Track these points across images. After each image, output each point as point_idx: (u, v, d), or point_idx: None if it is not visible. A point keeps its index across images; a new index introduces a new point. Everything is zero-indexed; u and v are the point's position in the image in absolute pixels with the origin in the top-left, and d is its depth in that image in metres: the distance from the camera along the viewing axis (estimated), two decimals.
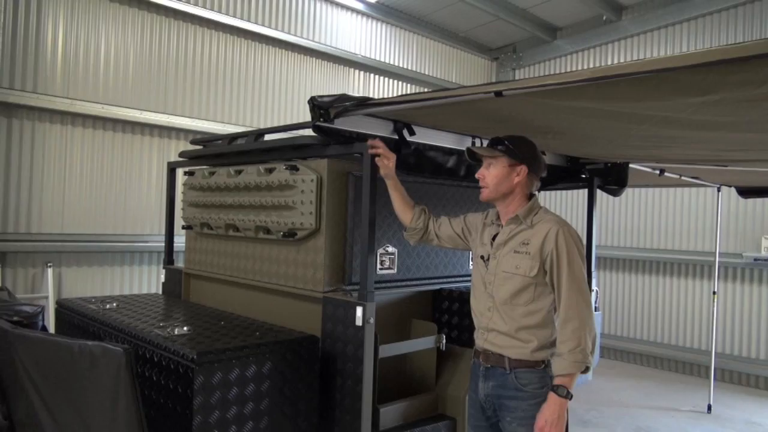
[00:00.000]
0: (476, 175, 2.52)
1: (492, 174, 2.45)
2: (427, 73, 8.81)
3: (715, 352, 6.25)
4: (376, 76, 8.32)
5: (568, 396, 2.22)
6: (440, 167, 3.43)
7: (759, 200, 6.76)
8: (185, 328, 2.76)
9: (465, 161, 3.54)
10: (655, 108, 2.16)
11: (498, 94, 2.17)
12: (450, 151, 3.43)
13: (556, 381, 2.23)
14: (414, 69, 8.65)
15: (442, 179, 3.50)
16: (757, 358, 6.93)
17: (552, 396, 2.22)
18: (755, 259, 6.85)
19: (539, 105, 2.37)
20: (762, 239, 6.87)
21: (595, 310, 4.28)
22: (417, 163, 3.29)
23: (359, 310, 2.69)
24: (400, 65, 8.48)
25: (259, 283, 3.34)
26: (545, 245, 2.31)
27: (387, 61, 8.31)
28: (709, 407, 5.87)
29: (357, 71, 8.08)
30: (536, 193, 2.55)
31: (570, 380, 2.22)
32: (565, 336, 2.24)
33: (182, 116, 6.34)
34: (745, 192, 5.82)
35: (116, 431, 1.99)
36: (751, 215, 7.01)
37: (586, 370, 2.25)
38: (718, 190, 5.96)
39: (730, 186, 5.85)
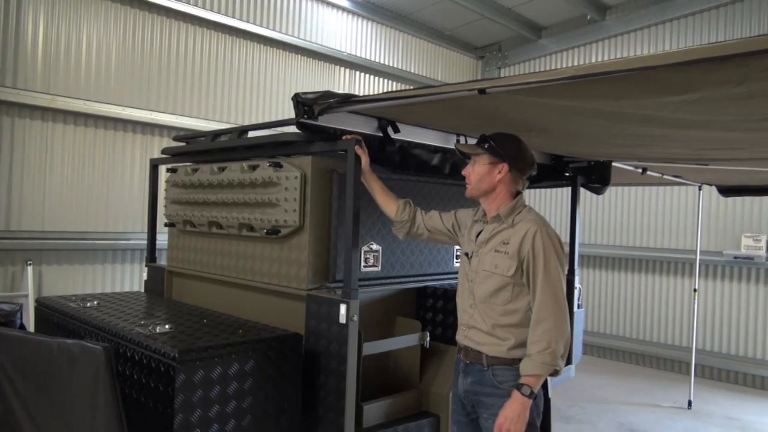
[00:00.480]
0: (462, 172, 2.54)
1: (475, 171, 2.47)
2: (412, 71, 8.81)
3: (696, 349, 6.34)
4: (362, 74, 8.31)
5: (531, 396, 2.21)
6: (425, 165, 3.42)
7: (739, 199, 6.87)
8: (167, 326, 2.73)
9: (450, 159, 3.55)
10: (637, 106, 2.18)
11: (482, 91, 2.17)
12: (435, 149, 3.43)
13: (522, 380, 2.23)
14: (399, 67, 8.65)
15: (427, 177, 3.50)
16: (736, 355, 7.05)
17: (515, 394, 2.22)
18: (735, 257, 6.96)
19: (523, 103, 2.38)
20: (742, 237, 6.98)
21: (578, 308, 4.32)
22: (402, 161, 3.28)
23: (343, 308, 2.68)
24: (386, 63, 8.48)
25: (243, 280, 3.32)
26: (523, 245, 2.32)
27: (373, 59, 8.30)
28: (690, 403, 5.95)
29: (342, 69, 8.06)
30: (522, 191, 2.55)
31: (535, 381, 2.22)
32: (535, 337, 2.23)
33: (165, 113, 6.27)
34: (726, 191, 5.91)
35: (96, 429, 1.96)
36: (732, 214, 7.11)
37: (555, 373, 2.24)
38: (700, 189, 6.04)
39: (711, 185, 5.93)
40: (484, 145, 2.46)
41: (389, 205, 2.80)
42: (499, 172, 2.43)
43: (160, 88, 6.28)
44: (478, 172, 2.45)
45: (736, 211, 7.09)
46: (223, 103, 6.78)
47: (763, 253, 6.80)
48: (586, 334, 8.00)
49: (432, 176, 3.49)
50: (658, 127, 2.50)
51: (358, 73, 8.25)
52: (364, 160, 2.76)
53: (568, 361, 4.17)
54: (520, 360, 2.31)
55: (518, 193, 2.50)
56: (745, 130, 2.45)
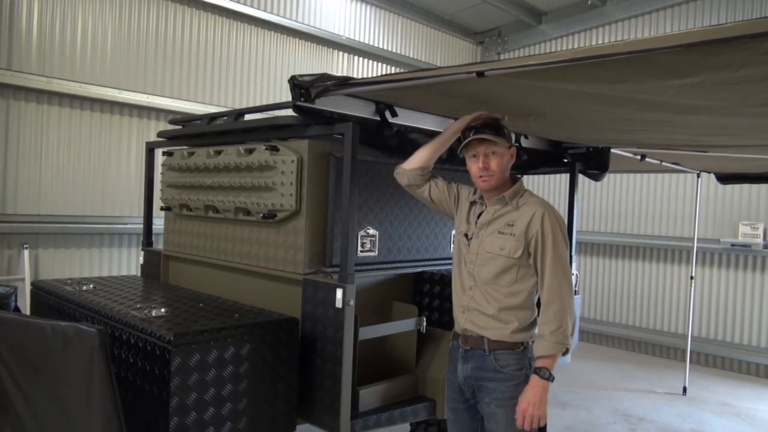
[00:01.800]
0: (479, 165, 2.43)
1: (496, 161, 2.40)
2: (411, 56, 8.74)
3: (692, 336, 6.37)
4: (360, 58, 8.24)
5: (551, 378, 2.22)
6: None
7: (737, 186, 6.86)
8: (163, 310, 2.73)
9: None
10: (636, 90, 2.16)
11: (480, 74, 2.15)
12: (433, 134, 3.40)
13: (539, 363, 2.23)
14: (398, 51, 8.58)
15: None
16: (732, 342, 7.08)
17: (534, 378, 2.23)
18: (732, 245, 6.97)
19: (522, 86, 2.35)
20: (739, 225, 6.98)
21: (575, 294, 4.32)
22: (399, 145, 3.26)
23: (339, 292, 2.67)
24: (385, 47, 8.41)
25: (239, 265, 3.31)
26: (530, 227, 2.32)
27: (371, 43, 8.23)
28: (685, 389, 5.99)
29: (341, 53, 7.99)
30: (520, 175, 2.54)
31: (552, 362, 2.23)
32: (547, 317, 2.25)
33: (162, 96, 6.23)
34: (724, 178, 5.90)
35: (91, 413, 1.96)
36: (729, 201, 7.11)
37: (566, 351, 2.27)
38: (698, 176, 6.02)
39: (709, 172, 5.91)
40: (502, 132, 2.43)
41: (422, 160, 2.68)
42: (512, 157, 2.45)
43: (157, 71, 6.23)
44: (499, 161, 2.40)
45: (734, 199, 7.09)
46: (220, 86, 6.73)
47: (760, 240, 6.81)
48: (583, 320, 8.03)
49: None
50: (658, 111, 2.48)
51: (356, 57, 8.18)
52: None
53: None
54: (521, 344, 2.33)
55: (516, 176, 2.50)
56: (745, 115, 2.43)
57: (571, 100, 2.49)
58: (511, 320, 2.33)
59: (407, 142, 3.29)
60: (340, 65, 7.98)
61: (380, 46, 8.35)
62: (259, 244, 3.18)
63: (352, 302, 2.68)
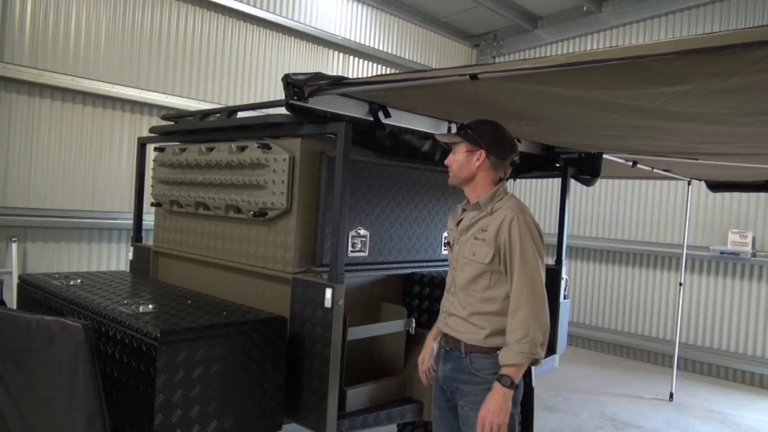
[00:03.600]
0: (445, 162, 2.51)
1: (455, 160, 2.44)
2: (407, 57, 8.75)
3: (679, 342, 6.40)
4: (356, 59, 8.23)
5: (512, 386, 2.17)
6: (415, 151, 3.40)
7: (727, 195, 6.91)
8: (150, 306, 2.71)
9: (440, 146, 3.53)
10: (628, 97, 2.17)
11: (473, 77, 2.15)
12: (426, 135, 3.40)
13: (502, 371, 2.19)
14: (394, 53, 8.58)
15: (417, 163, 3.48)
16: (719, 349, 7.13)
17: (496, 385, 2.18)
18: (721, 252, 7.01)
19: (515, 90, 2.36)
20: (729, 233, 7.03)
21: (564, 299, 4.34)
22: (392, 146, 3.26)
23: (329, 292, 2.67)
24: (380, 48, 8.40)
25: (229, 262, 3.30)
26: (500, 233, 2.29)
27: (367, 44, 8.22)
28: (671, 395, 6.02)
29: (336, 53, 7.98)
30: (504, 178, 2.48)
31: (516, 371, 2.17)
32: (513, 326, 2.20)
33: (155, 92, 6.19)
34: (715, 186, 5.93)
35: (74, 408, 1.95)
36: (720, 209, 7.16)
37: (535, 362, 2.20)
38: (689, 184, 6.06)
39: (700, 180, 5.95)
40: (461, 133, 2.43)
41: None
42: (478, 159, 2.39)
43: (151, 67, 6.19)
44: (457, 160, 2.42)
45: (723, 207, 7.14)
46: (214, 83, 6.70)
47: (749, 249, 6.86)
48: (572, 325, 8.05)
49: (422, 163, 3.47)
50: (650, 118, 2.49)
51: (351, 57, 8.17)
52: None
53: (553, 351, 4.20)
54: (497, 349, 2.27)
55: (500, 180, 2.45)
56: (736, 124, 2.45)
57: (564, 104, 2.50)
58: (484, 326, 2.30)
59: (400, 143, 3.29)
60: (336, 65, 7.97)
61: (376, 47, 8.34)
62: (249, 242, 3.17)
63: (341, 302, 2.68)
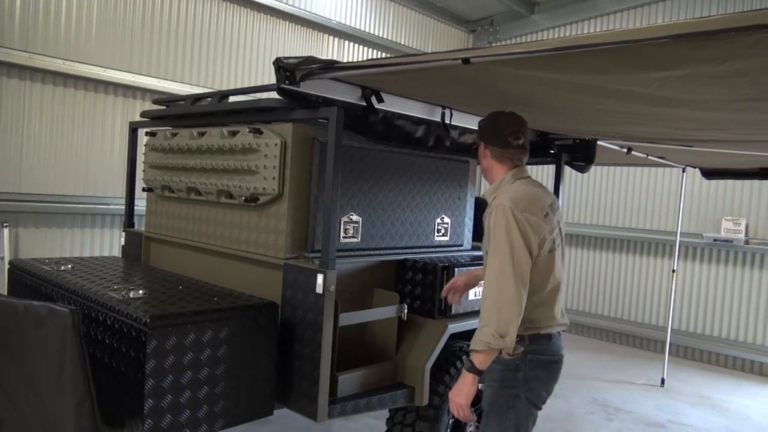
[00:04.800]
0: None
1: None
2: (403, 42, 8.67)
3: (672, 329, 6.44)
4: (351, 44, 8.16)
5: (471, 370, 2.17)
6: (409, 137, 3.38)
7: (721, 182, 6.92)
8: (141, 292, 2.70)
9: (434, 132, 3.51)
10: (622, 82, 2.15)
11: (466, 61, 2.13)
12: (419, 121, 3.38)
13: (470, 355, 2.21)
14: (390, 38, 8.50)
15: (410, 149, 3.46)
16: (710, 335, 7.18)
17: (463, 368, 2.24)
18: (715, 240, 7.04)
19: (508, 75, 2.34)
20: (722, 221, 7.05)
21: None
22: (385, 132, 3.23)
23: (320, 278, 2.66)
24: (376, 33, 8.33)
25: (221, 248, 3.28)
26: (487, 222, 2.34)
27: (362, 29, 8.14)
28: (663, 381, 6.07)
29: (331, 37, 7.90)
30: (517, 165, 2.45)
31: (475, 356, 2.16)
32: (480, 313, 2.20)
33: (149, 76, 6.12)
34: (709, 173, 5.94)
35: (63, 393, 1.94)
36: (714, 197, 7.17)
37: (497, 351, 2.16)
38: (683, 171, 6.06)
39: (694, 167, 5.95)
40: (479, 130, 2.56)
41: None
42: (483, 153, 2.49)
43: (143, 51, 6.12)
44: (479, 158, 2.56)
45: (717, 194, 7.15)
46: (207, 68, 6.63)
47: (742, 236, 6.88)
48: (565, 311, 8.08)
49: (415, 148, 3.45)
50: (643, 104, 2.47)
51: (347, 42, 8.10)
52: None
53: None
54: None
55: (514, 167, 2.43)
56: (730, 110, 2.44)
57: (558, 89, 2.48)
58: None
59: (393, 128, 3.27)
60: (331, 50, 7.89)
61: (372, 32, 8.26)
62: (241, 228, 3.15)
63: (332, 288, 2.67)
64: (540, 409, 2.43)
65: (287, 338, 2.79)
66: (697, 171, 6.03)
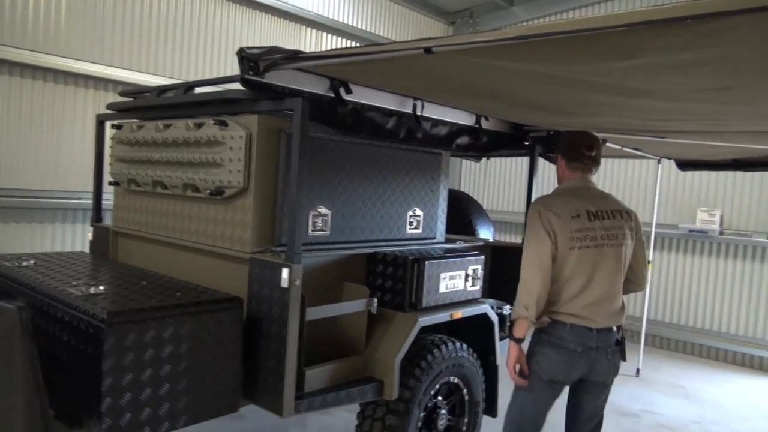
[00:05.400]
0: None
1: None
2: (381, 34, 8.61)
3: (647, 319, 6.50)
4: (329, 35, 8.08)
5: (512, 338, 2.78)
6: (379, 128, 3.33)
7: (696, 173, 6.99)
8: (101, 287, 2.64)
9: (405, 124, 3.47)
10: (585, 72, 2.13)
11: (427, 50, 2.10)
12: (390, 112, 3.34)
13: None
14: (369, 29, 8.44)
15: (381, 141, 3.42)
16: (685, 325, 7.26)
17: None
18: (690, 231, 7.10)
19: (473, 65, 2.30)
20: (697, 211, 7.11)
21: None
22: (354, 123, 3.19)
23: (285, 272, 2.62)
24: (355, 25, 8.26)
25: (187, 242, 3.23)
26: None
27: (341, 20, 8.07)
28: (638, 371, 6.12)
29: (309, 29, 7.82)
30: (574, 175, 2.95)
31: (513, 327, 2.77)
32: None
33: (120, 68, 6.01)
34: (684, 164, 5.97)
35: (12, 390, 1.88)
36: (689, 188, 7.23)
37: (526, 320, 2.70)
38: (659, 163, 6.09)
39: (669, 158, 5.98)
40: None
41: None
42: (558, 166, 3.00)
43: (114, 41, 6.00)
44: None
45: (693, 186, 7.21)
46: (181, 59, 6.52)
47: (716, 227, 6.95)
48: None
49: (386, 140, 3.41)
50: (608, 94, 2.46)
51: (324, 34, 8.02)
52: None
53: None
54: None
55: (571, 176, 2.94)
56: (693, 101, 2.43)
57: (524, 80, 2.46)
58: None
59: (363, 119, 3.22)
60: (308, 42, 7.81)
61: (350, 23, 8.19)
62: (207, 222, 3.10)
63: (298, 282, 2.63)
64: (553, 384, 2.78)
65: (253, 333, 2.75)
66: (673, 162, 6.06)
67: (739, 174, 6.78)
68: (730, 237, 6.90)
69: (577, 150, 2.86)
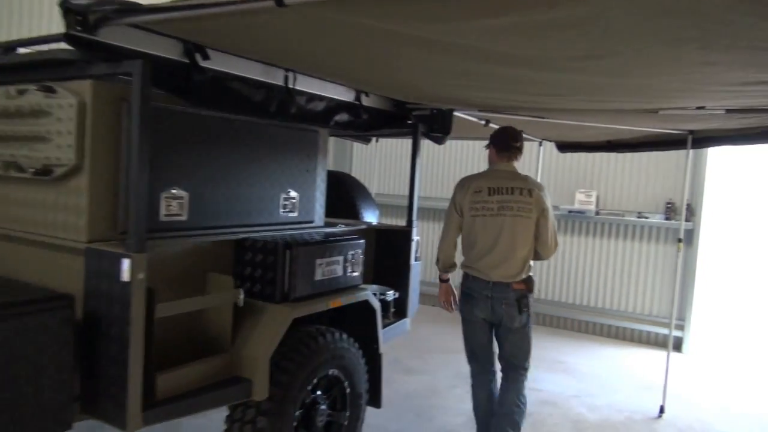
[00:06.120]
0: None
1: None
2: None
3: None
4: None
5: (441, 280, 3.80)
6: (245, 101, 2.99)
7: (575, 156, 7.24)
8: None
9: (277, 96, 3.15)
10: (454, 33, 1.94)
11: (279, 3, 1.82)
12: (259, 84, 3.01)
13: None
14: None
15: (249, 115, 3.08)
16: (566, 302, 7.57)
17: None
18: (569, 212, 7.38)
19: (333, 24, 2.05)
20: (576, 193, 7.41)
21: (416, 260, 4.23)
22: (215, 95, 2.82)
23: (125, 263, 2.24)
24: None
25: (10, 231, 2.73)
26: None
27: None
28: None
29: None
30: (494, 159, 3.76)
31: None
32: None
33: None
34: (563, 146, 6.15)
35: None
36: (569, 170, 7.51)
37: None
38: (540, 145, 6.22)
39: (550, 141, 6.12)
40: None
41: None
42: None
43: None
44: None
45: (573, 167, 7.49)
46: (22, 18, 5.70)
47: (593, 207, 7.28)
48: (425, 284, 8.14)
49: (255, 115, 3.09)
50: (484, 62, 2.31)
51: None
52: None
53: (403, 315, 4.10)
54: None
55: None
56: (570, 71, 2.34)
57: (386, 43, 2.23)
58: None
59: (225, 91, 2.86)
60: None
61: None
62: (35, 207, 2.62)
63: (142, 275, 2.27)
64: (471, 321, 3.67)
65: (91, 336, 2.35)
66: (553, 145, 6.22)
67: (613, 156, 7.12)
68: (605, 217, 7.25)
69: (505, 142, 3.58)
